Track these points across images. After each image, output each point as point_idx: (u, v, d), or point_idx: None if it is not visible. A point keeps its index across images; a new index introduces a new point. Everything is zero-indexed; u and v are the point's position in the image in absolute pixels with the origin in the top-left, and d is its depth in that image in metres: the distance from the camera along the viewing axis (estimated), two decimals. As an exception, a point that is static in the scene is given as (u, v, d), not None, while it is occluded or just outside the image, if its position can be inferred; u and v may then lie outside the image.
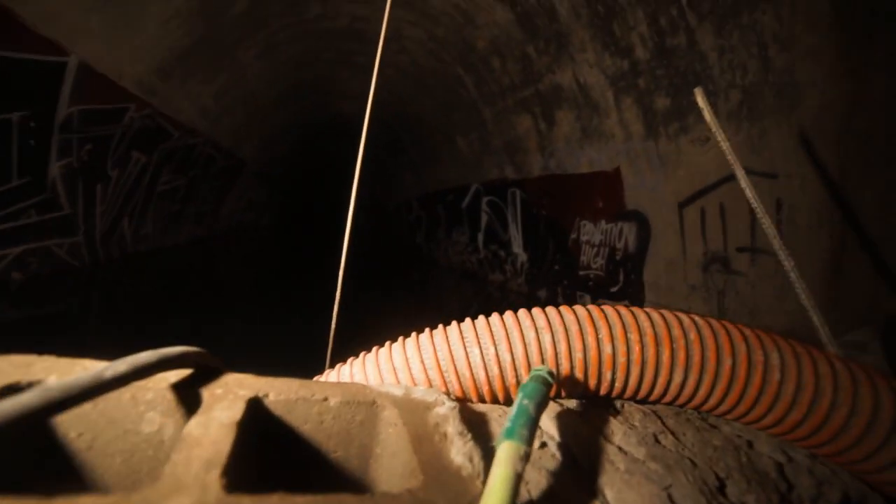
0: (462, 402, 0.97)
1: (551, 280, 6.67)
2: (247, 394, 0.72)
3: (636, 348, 0.96)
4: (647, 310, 1.09)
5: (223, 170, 8.27)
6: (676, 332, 1.00)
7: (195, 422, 0.64)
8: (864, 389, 0.87)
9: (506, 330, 1.00)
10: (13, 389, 0.61)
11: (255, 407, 0.73)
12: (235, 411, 0.67)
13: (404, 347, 1.04)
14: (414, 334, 1.07)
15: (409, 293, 8.52)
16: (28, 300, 3.91)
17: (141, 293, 5.62)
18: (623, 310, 1.06)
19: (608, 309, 1.07)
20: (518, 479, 0.53)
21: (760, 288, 3.34)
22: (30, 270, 4.06)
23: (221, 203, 9.38)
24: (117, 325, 4.45)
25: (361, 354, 1.10)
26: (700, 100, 1.43)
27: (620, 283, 5.24)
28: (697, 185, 3.72)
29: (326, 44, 6.78)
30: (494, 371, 0.99)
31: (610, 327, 0.98)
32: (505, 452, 0.56)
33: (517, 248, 7.28)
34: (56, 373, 0.67)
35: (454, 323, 1.06)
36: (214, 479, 0.51)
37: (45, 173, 3.86)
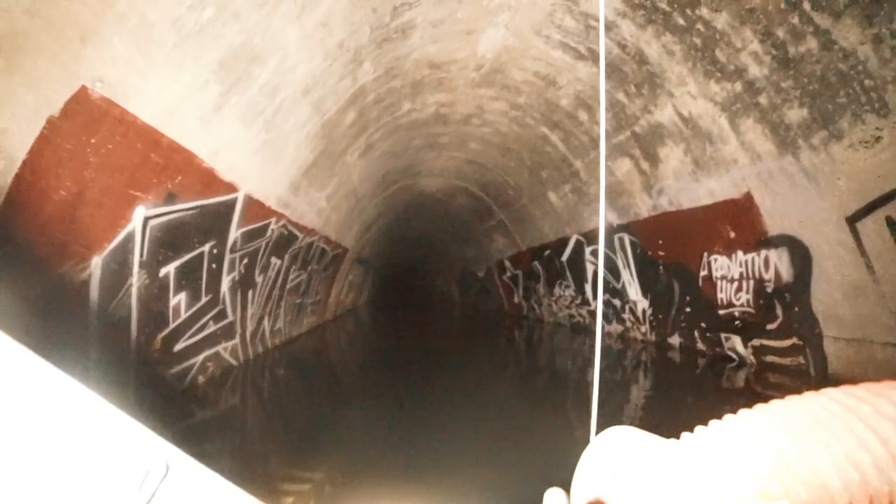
0: None
1: (684, 325, 6.06)
2: None
3: None
4: None
5: (332, 259, 9.06)
6: None
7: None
8: None
9: (846, 424, 0.83)
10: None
11: None
12: None
13: (687, 452, 0.88)
14: (699, 435, 0.90)
15: (518, 354, 8.23)
16: (208, 400, 4.38)
17: (279, 382, 6.08)
18: None
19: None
20: None
21: None
22: (208, 374, 4.60)
23: (330, 291, 10.17)
24: (267, 416, 4.79)
25: (598, 455, 0.90)
26: None
27: (780, 319, 4.58)
28: (874, 192, 3.25)
29: (415, 132, 7.44)
30: (853, 475, 0.82)
31: None
32: None
33: (634, 294, 6.82)
34: None
35: (747, 417, 0.89)
36: None
37: (219, 289, 4.49)
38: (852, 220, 3.51)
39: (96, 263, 2.72)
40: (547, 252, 9.09)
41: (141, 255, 3.17)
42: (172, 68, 2.71)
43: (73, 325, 2.72)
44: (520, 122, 6.89)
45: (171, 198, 3.27)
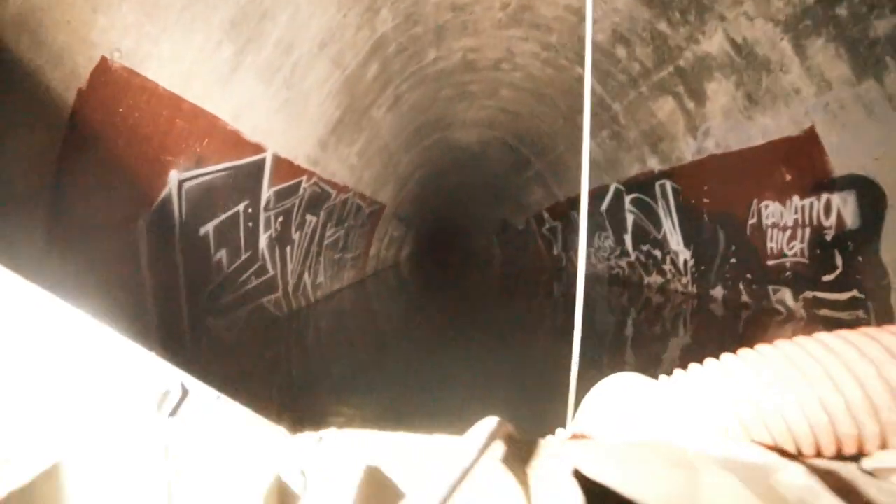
0: (786, 456, 0.78)
1: (728, 276, 5.71)
2: (567, 463, 0.67)
3: None
4: None
5: (369, 216, 9.26)
6: None
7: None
8: None
9: (820, 363, 0.78)
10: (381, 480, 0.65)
11: (582, 480, 0.67)
12: (570, 488, 0.62)
13: (668, 390, 0.90)
14: (677, 376, 0.92)
15: (555, 309, 8.19)
16: (255, 348, 4.83)
17: (323, 335, 6.52)
18: None
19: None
20: None
21: None
22: (253, 324, 5.02)
23: (369, 246, 10.49)
24: (308, 363, 5.21)
25: (598, 395, 0.98)
26: None
27: (839, 269, 4.19)
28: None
29: (443, 82, 7.17)
30: (822, 419, 0.78)
31: None
32: None
33: (675, 244, 6.46)
34: (403, 451, 0.70)
35: (729, 359, 0.87)
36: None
37: (258, 246, 4.78)
38: (931, 155, 3.05)
39: (141, 226, 2.97)
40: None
41: (180, 216, 3.41)
42: (183, 31, 2.76)
43: (129, 283, 3.04)
44: (553, 64, 6.42)
45: (200, 160, 3.45)
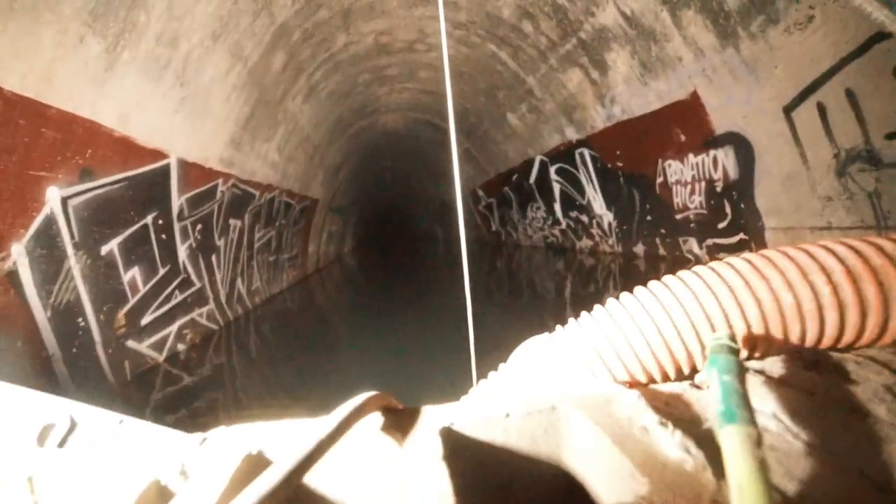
0: (634, 386, 0.91)
1: (646, 233, 6.21)
2: (435, 424, 0.75)
3: (827, 290, 0.82)
4: (826, 244, 0.94)
5: (301, 212, 8.94)
6: (877, 261, 0.84)
7: (413, 459, 0.68)
8: None
9: (659, 300, 0.92)
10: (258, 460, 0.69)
11: (448, 435, 0.75)
12: (435, 443, 0.70)
13: (552, 344, 1.01)
14: (559, 330, 1.03)
15: (500, 282, 8.49)
16: (192, 365, 4.58)
17: (265, 337, 6.31)
18: (793, 250, 0.93)
19: (773, 253, 0.94)
20: (765, 469, 0.47)
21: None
22: (187, 341, 4.74)
23: (307, 243, 10.16)
24: (257, 371, 5.04)
25: (513, 357, 1.09)
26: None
27: (729, 216, 4.70)
28: (806, 78, 3.18)
29: (359, 68, 6.98)
30: (661, 347, 0.91)
31: (783, 272, 0.86)
32: (735, 440, 0.50)
33: (599, 209, 6.89)
34: (276, 435, 0.74)
35: (597, 308, 1.00)
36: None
37: (177, 259, 4.47)
38: (788, 110, 3.47)
39: (18, 251, 2.67)
40: (515, 176, 9.01)
41: (72, 237, 3.11)
42: (26, 24, 2.43)
43: (11, 315, 2.74)
44: (466, 42, 6.46)
45: (87, 174, 3.13)
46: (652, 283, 0.99)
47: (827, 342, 0.88)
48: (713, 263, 1.00)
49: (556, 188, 7.72)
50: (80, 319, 3.24)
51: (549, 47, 5.67)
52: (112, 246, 3.56)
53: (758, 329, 0.86)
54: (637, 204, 6.07)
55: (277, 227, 7.77)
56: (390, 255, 16.99)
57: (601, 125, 5.97)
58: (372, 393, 0.78)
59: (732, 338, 0.76)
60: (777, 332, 0.86)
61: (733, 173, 4.36)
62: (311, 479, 0.68)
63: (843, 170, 3.18)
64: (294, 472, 0.52)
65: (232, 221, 5.85)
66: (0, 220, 2.55)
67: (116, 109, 3.22)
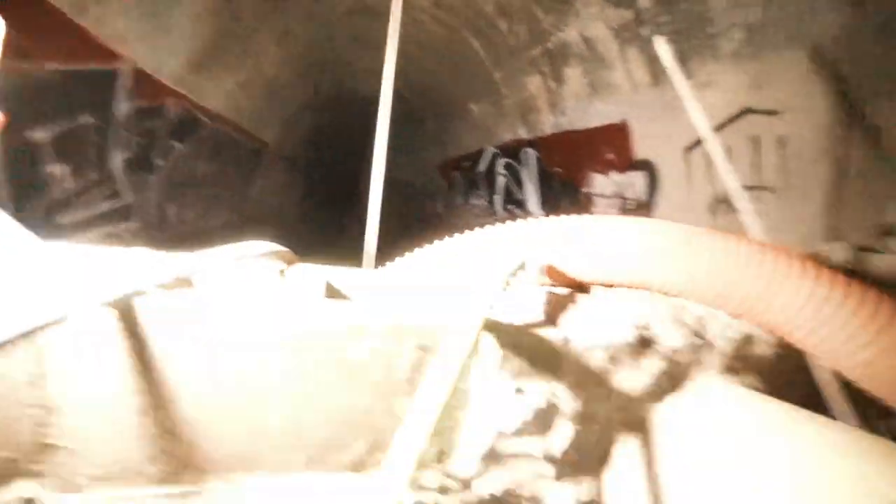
0: None
1: (569, 235, 6.94)
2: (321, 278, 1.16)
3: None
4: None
5: (249, 153, 8.75)
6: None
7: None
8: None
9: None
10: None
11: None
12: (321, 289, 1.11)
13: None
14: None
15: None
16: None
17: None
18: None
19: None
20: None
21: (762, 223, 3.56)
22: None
23: (250, 187, 9.92)
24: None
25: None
26: (660, 48, 1.70)
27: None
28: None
29: (338, 24, 7.00)
30: None
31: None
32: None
33: (533, 206, 7.53)
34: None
35: None
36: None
37: (109, 167, 4.38)
38: (687, 151, 4.21)
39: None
40: (466, 163, 9.46)
41: None
42: None
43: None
44: (445, 24, 6.73)
45: (22, 53, 3.05)
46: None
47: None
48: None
49: (501, 181, 8.28)
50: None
51: (518, 48, 6.12)
52: (44, 134, 3.47)
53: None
54: (563, 208, 6.78)
55: (222, 162, 7.59)
56: (339, 222, 16.81)
57: (549, 130, 6.57)
58: (278, 247, 1.18)
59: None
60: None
61: (642, 195, 5.10)
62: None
63: (714, 209, 3.97)
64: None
65: (176, 144, 5.72)
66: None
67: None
